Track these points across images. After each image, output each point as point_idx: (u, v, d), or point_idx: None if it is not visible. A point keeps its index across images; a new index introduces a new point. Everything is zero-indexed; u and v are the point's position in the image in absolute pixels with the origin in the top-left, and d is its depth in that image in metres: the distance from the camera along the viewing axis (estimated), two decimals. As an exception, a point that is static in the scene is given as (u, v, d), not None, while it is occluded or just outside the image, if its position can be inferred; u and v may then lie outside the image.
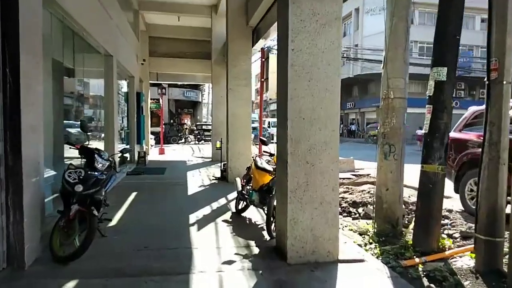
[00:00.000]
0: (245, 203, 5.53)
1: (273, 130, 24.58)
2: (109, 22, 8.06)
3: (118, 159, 8.07)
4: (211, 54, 14.30)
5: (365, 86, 39.36)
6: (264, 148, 5.40)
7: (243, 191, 5.52)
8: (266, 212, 4.71)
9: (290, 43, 3.60)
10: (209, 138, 27.74)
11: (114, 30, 8.59)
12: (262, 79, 8.39)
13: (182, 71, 17.35)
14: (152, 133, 18.31)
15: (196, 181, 8.81)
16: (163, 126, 20.88)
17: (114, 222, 5.11)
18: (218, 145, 9.22)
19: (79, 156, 4.10)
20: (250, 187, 5.45)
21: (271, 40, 9.79)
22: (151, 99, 17.75)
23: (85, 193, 3.64)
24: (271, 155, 5.12)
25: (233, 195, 7.24)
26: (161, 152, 16.28)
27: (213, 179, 9.10)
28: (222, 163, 9.33)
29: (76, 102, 6.92)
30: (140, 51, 13.70)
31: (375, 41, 30.16)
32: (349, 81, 39.87)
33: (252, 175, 5.47)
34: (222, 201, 6.77)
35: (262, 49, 8.62)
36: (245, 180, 5.71)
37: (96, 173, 3.84)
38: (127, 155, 11.52)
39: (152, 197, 6.98)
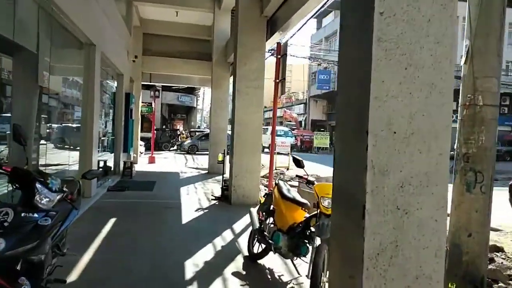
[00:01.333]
0: (263, 245, 3.97)
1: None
2: (92, 4, 6.51)
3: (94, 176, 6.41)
4: (211, 55, 12.83)
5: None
6: (298, 171, 3.86)
7: (263, 229, 3.95)
8: (305, 269, 3.15)
9: (377, 2, 2.09)
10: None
11: (99, 15, 7.05)
12: (277, 80, 6.89)
13: (177, 72, 15.76)
14: (142, 138, 16.67)
15: (191, 202, 7.21)
16: (155, 131, 19.23)
17: (78, 269, 3.51)
18: (220, 157, 7.64)
19: (11, 185, 2.48)
20: (273, 224, 3.90)
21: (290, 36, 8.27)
22: (142, 102, 16.13)
23: (10, 253, 2.05)
24: (309, 182, 3.57)
25: (240, 224, 5.67)
26: (151, 160, 14.62)
27: (212, 199, 7.50)
28: (223, 179, 7.75)
29: (40, 102, 5.30)
30: (132, 48, 12.13)
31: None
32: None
33: (275, 207, 3.93)
34: (228, 235, 5.18)
35: (278, 43, 7.12)
36: (263, 213, 4.15)
37: (35, 214, 2.25)
38: (111, 164, 9.88)
39: (136, 227, 5.36)
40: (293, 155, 3.80)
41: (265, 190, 7.98)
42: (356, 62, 2.29)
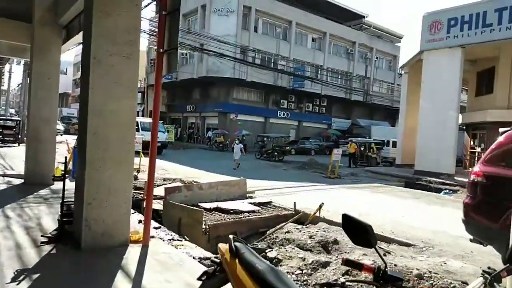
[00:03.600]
0: None
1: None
2: None
3: None
4: (29, 12, 8.84)
5: (207, 89, 37.31)
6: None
7: None
8: None
9: None
10: (11, 139, 19.98)
11: None
12: (162, 50, 4.40)
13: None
14: None
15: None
16: None
17: None
18: (58, 172, 4.57)
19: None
20: None
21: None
22: None
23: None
24: None
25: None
26: None
27: (43, 242, 4.40)
28: (64, 202, 4.71)
29: None
30: None
31: (221, 44, 28.38)
32: (192, 83, 37.11)
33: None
34: None
35: (163, -8, 4.59)
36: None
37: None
38: None
39: None
40: (347, 214, 1.59)
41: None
42: None
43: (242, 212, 7.58)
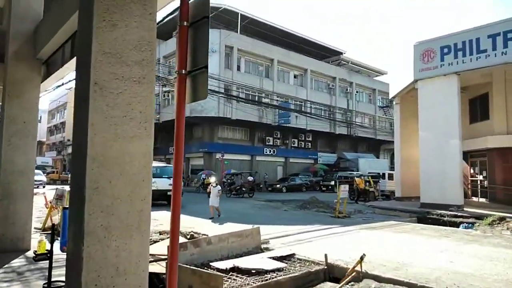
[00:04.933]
0: None
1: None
2: None
3: None
4: (1, 47, 7.67)
5: (191, 130, 36.19)
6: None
7: None
8: None
9: None
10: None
11: None
12: (184, 71, 3.28)
13: None
14: None
15: None
16: None
17: None
18: (42, 247, 3.23)
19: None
20: None
21: None
22: None
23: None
24: None
25: None
26: None
27: None
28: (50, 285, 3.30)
29: None
30: None
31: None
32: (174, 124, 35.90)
33: None
34: None
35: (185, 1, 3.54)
36: None
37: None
38: None
39: None
40: None
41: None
42: None
43: (266, 271, 6.22)
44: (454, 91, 16.30)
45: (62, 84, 15.29)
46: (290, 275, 6.17)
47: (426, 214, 14.92)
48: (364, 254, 6.17)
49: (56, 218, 10.29)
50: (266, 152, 36.99)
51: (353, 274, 6.29)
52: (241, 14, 33.53)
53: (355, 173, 32.69)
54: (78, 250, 2.92)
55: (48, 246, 3.45)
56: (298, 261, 7.06)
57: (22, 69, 7.06)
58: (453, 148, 16.21)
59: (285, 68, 38.30)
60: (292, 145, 40.19)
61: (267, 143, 37.25)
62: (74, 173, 3.20)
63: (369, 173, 25.75)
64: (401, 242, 9.01)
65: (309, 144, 41.52)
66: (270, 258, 7.08)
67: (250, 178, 26.55)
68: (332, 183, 29.96)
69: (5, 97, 7.05)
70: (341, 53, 45.03)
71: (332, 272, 6.70)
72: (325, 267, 6.67)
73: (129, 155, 3.15)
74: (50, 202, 10.49)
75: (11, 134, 6.95)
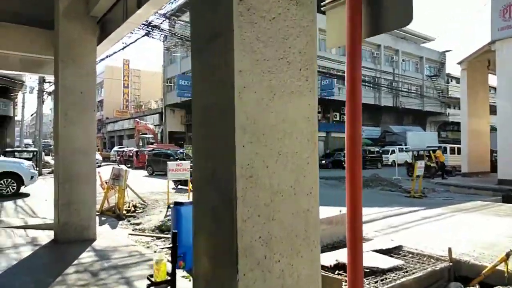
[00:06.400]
0: None
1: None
2: None
3: None
4: (48, 14, 6.66)
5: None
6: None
7: None
8: None
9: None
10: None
11: None
12: None
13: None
14: None
15: None
16: None
17: None
18: (163, 272, 2.14)
19: None
20: None
21: None
22: None
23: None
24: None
25: None
26: None
27: None
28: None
29: None
30: None
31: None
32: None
33: None
34: None
35: None
36: None
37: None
38: None
39: None
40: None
41: None
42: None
43: (383, 271, 5.01)
44: (544, 51, 14.07)
45: (107, 57, 14.38)
46: (414, 276, 4.93)
47: (511, 192, 13.17)
48: (511, 250, 4.81)
49: (113, 199, 9.53)
50: (307, 126, 35.44)
51: (490, 274, 4.99)
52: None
53: (404, 147, 30.75)
54: (227, 280, 1.77)
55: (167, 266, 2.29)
56: (410, 255, 5.81)
57: (75, 28, 6.00)
58: (541, 117, 14.16)
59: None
60: (334, 118, 38.37)
61: (308, 117, 35.64)
62: (203, 151, 2.03)
63: (427, 147, 23.76)
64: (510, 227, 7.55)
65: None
66: (375, 251, 5.86)
67: None
68: (391, 157, 28.29)
69: (58, 65, 6.05)
70: (386, 19, 41.88)
71: (459, 271, 5.41)
72: (450, 263, 5.38)
73: (289, 122, 1.93)
74: (106, 182, 9.74)
75: (67, 107, 5.98)
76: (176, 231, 2.28)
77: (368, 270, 5.00)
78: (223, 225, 1.83)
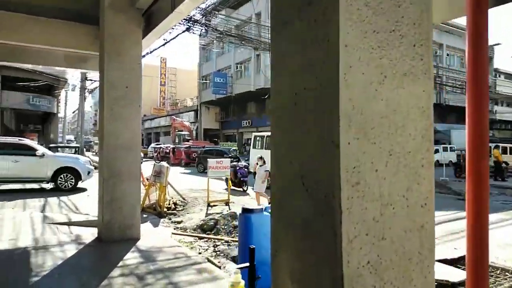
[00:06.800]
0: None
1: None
2: None
3: None
4: (93, 9, 6.55)
5: (264, 102, 34.77)
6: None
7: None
8: None
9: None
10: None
11: None
12: None
13: (26, 41, 8.56)
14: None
15: None
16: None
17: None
18: None
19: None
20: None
21: None
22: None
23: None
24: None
25: None
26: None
27: None
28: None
29: None
30: None
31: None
32: (247, 96, 34.70)
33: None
34: None
35: None
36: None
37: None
38: None
39: None
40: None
41: None
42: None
43: (453, 285, 4.46)
44: None
45: (147, 53, 14.40)
46: (493, 293, 4.34)
47: None
48: None
49: (154, 196, 9.42)
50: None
51: None
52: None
53: (448, 146, 29.19)
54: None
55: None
56: (481, 267, 5.17)
57: (120, 21, 5.83)
58: None
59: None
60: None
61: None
62: (288, 149, 1.64)
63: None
64: None
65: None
66: (438, 261, 5.28)
67: None
68: (436, 156, 26.92)
69: (103, 59, 5.90)
70: (429, 11, 39.95)
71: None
72: (532, 279, 4.72)
73: (401, 113, 1.50)
74: (147, 179, 9.64)
75: (112, 102, 5.82)
76: (254, 246, 1.92)
77: (436, 283, 4.45)
78: (319, 245, 1.43)
